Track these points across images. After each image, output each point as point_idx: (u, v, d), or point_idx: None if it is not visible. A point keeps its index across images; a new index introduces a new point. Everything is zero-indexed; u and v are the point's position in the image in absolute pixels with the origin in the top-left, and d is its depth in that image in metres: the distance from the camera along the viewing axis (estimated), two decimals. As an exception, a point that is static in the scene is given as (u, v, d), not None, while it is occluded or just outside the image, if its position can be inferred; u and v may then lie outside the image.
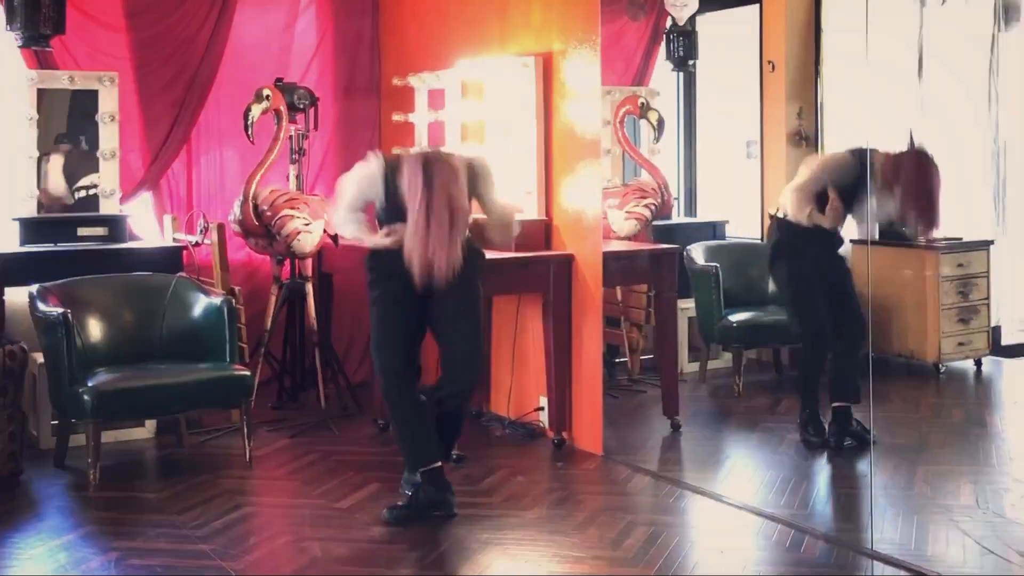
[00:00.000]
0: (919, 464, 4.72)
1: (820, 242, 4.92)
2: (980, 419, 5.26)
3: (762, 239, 5.57)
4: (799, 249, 4.96)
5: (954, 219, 5.12)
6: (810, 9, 5.42)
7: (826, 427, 4.88)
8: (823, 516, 4.42)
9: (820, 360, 4.97)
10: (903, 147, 4.93)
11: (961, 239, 5.09)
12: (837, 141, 5.20)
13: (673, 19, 5.84)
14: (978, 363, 5.17)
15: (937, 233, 5.06)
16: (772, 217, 5.06)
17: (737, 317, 5.41)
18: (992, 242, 5.04)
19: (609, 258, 5.22)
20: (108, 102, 5.78)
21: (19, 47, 5.54)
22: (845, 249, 4.99)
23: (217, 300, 5.13)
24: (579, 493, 4.64)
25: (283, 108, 5.63)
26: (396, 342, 4.34)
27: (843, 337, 4.84)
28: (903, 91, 5.12)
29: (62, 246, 5.58)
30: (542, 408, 5.39)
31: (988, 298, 5.03)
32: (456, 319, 4.35)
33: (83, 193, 5.77)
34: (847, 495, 4.67)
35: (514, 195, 5.45)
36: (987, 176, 5.06)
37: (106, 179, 5.78)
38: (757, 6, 5.60)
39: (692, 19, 5.84)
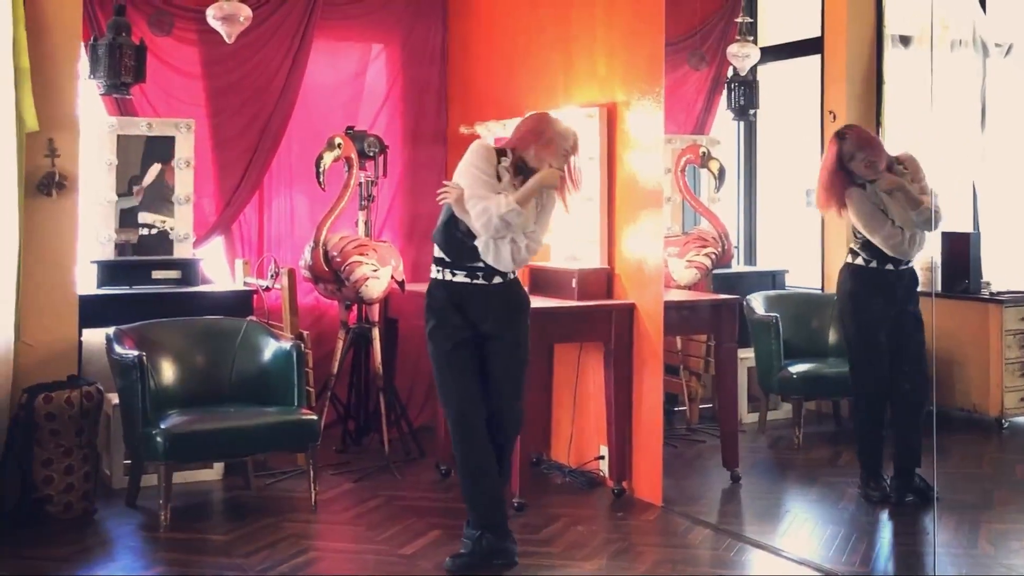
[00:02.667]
0: (982, 522, 4.68)
1: (894, 291, 4.86)
2: (1043, 476, 5.23)
3: (822, 289, 5.58)
4: (871, 299, 4.90)
5: (1018, 272, 5.11)
6: (871, 59, 5.45)
7: (887, 482, 4.87)
8: (885, 574, 4.40)
9: (877, 418, 4.92)
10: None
11: (1025, 292, 5.09)
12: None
13: (735, 69, 5.91)
14: (1041, 419, 5.14)
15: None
16: (846, 264, 4.98)
17: (797, 368, 5.41)
18: (1057, 296, 5.02)
19: (670, 307, 5.22)
20: (184, 148, 5.95)
21: (101, 95, 5.73)
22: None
23: (286, 344, 5.22)
24: (639, 544, 4.66)
25: (354, 156, 5.73)
26: (464, 382, 4.32)
27: (906, 395, 4.81)
28: (965, 141, 5.13)
29: (137, 289, 5.72)
30: (602, 457, 5.43)
31: (1052, 352, 5.01)
32: (507, 365, 4.39)
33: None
34: (909, 552, 4.64)
35: (577, 244, 5.55)
36: (1052, 228, 5.06)
37: (181, 223, 5.95)
38: (818, 56, 5.64)
39: (753, 69, 5.91)
